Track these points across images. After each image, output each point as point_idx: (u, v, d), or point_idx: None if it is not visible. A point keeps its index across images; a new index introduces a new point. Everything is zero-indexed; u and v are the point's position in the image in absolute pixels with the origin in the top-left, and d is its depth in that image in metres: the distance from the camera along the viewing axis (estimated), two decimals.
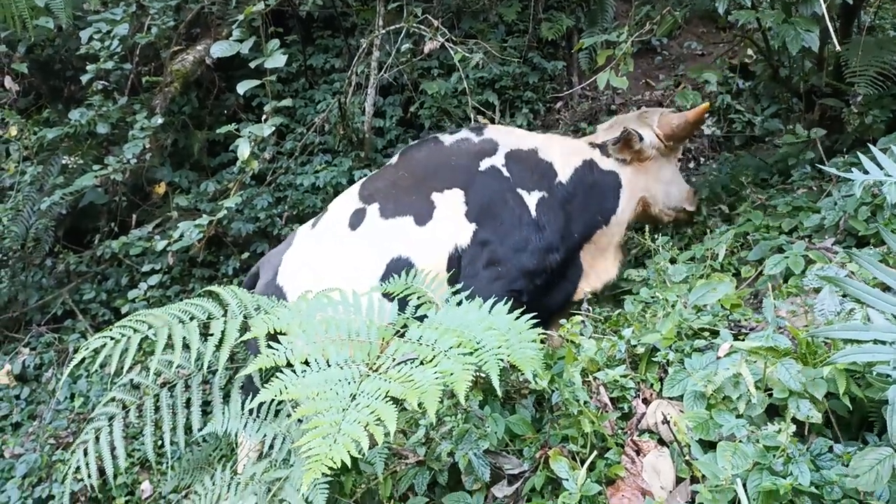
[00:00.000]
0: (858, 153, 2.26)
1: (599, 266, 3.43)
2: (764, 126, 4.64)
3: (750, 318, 2.43)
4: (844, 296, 1.98)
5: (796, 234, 3.23)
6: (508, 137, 3.38)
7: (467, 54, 4.11)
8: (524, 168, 3.26)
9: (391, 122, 5.78)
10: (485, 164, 3.23)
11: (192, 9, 5.42)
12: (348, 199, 3.35)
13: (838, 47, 2.67)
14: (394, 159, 3.49)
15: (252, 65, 3.67)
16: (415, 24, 4.51)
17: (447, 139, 3.40)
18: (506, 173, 3.23)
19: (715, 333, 2.25)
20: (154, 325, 2.42)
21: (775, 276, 2.91)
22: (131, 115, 4.93)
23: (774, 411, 1.84)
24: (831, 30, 2.70)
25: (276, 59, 3.51)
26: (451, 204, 3.13)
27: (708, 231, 3.70)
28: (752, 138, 4.63)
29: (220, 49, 3.64)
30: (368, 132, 5.50)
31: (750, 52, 5.29)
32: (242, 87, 3.57)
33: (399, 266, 2.97)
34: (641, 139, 3.33)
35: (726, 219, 3.78)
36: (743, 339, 2.09)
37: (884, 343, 1.66)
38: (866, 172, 2.00)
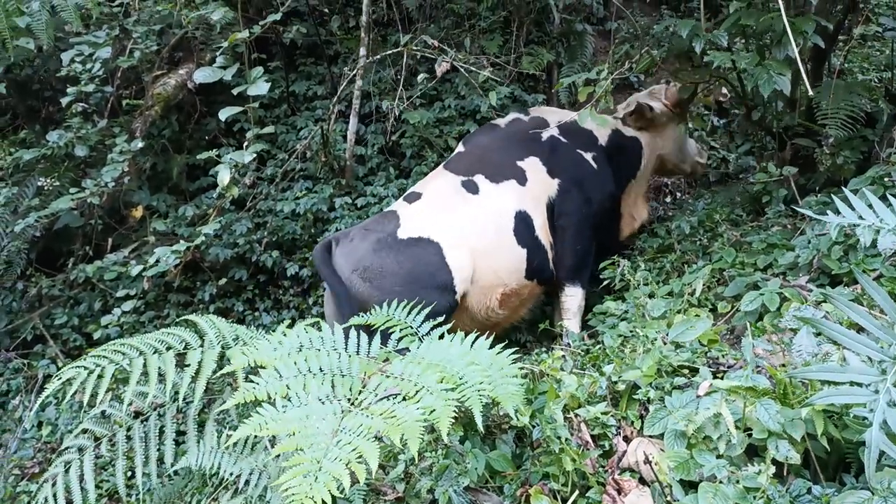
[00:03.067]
0: (831, 194, 2.32)
1: (634, 211, 4.34)
2: (738, 163, 4.75)
3: (728, 355, 2.46)
4: (818, 334, 2.01)
5: (771, 270, 3.29)
6: (552, 115, 4.28)
7: (474, 69, 4.22)
8: (574, 135, 4.07)
9: (372, 150, 5.80)
10: (545, 135, 4.06)
11: (176, 33, 5.41)
12: (444, 177, 3.90)
13: (810, 91, 2.76)
14: (460, 147, 4.20)
15: (235, 91, 3.66)
16: (417, 48, 4.55)
17: (501, 122, 4.22)
18: (564, 140, 4.06)
19: (694, 371, 2.27)
20: (128, 356, 2.37)
21: (752, 313, 2.96)
22: (110, 138, 4.88)
23: (754, 451, 1.85)
24: (803, 74, 2.79)
25: (259, 87, 3.51)
26: (534, 167, 3.94)
27: (685, 266, 3.76)
28: (727, 175, 4.73)
29: (203, 75, 3.64)
30: (350, 160, 5.51)
31: (725, 90, 5.43)
32: (224, 114, 3.56)
33: (521, 216, 3.77)
34: (651, 109, 4.14)
35: (704, 254, 3.84)
36: (721, 377, 2.12)
37: (860, 385, 1.70)
38: (839, 214, 2.06)
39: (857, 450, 1.74)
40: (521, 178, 3.88)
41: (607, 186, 4.09)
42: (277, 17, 3.76)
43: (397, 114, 4.83)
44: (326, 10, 6.39)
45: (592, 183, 4.00)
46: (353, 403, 1.80)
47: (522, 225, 3.74)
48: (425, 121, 5.66)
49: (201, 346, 2.50)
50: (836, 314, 2.36)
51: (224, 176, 3.49)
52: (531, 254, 3.75)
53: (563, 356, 2.65)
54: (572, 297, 3.97)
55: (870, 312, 2.14)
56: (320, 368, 1.91)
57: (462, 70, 4.25)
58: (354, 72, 5.02)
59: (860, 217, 2.02)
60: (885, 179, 3.26)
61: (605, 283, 3.74)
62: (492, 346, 2.22)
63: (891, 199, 2.14)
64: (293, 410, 1.74)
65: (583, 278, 3.97)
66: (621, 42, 4.49)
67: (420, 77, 4.96)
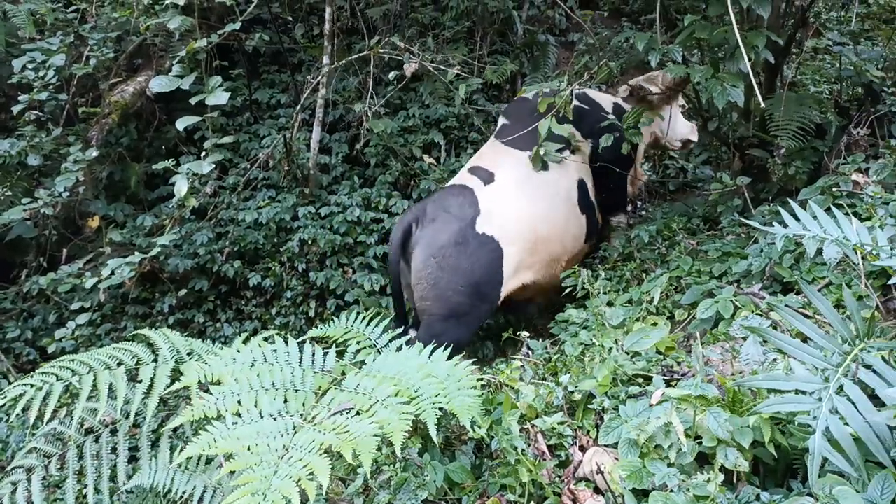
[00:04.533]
0: (779, 206, 2.37)
1: (637, 174, 4.62)
2: (696, 173, 4.85)
3: (683, 363, 2.50)
4: (765, 343, 2.06)
5: (726, 278, 3.35)
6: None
7: (443, 67, 4.18)
8: (590, 105, 4.37)
9: (337, 159, 5.77)
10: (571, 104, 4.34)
11: (134, 41, 5.32)
12: (510, 154, 4.05)
13: (762, 104, 2.83)
14: (504, 120, 4.34)
15: (193, 101, 3.61)
16: (384, 51, 4.54)
17: (530, 95, 4.35)
18: (585, 107, 4.32)
19: (649, 379, 2.30)
20: (78, 372, 2.31)
21: (707, 321, 3.01)
22: (65, 147, 4.77)
23: (704, 459, 1.88)
24: (755, 86, 2.86)
25: (218, 96, 3.46)
26: (572, 134, 4.12)
27: (644, 274, 3.81)
28: (686, 184, 4.83)
29: (159, 84, 3.57)
30: (314, 169, 5.47)
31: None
32: (182, 123, 3.50)
33: (581, 185, 4.12)
34: (643, 89, 4.34)
35: (662, 262, 3.90)
36: (675, 386, 2.15)
37: (804, 393, 1.74)
38: (786, 226, 2.11)
39: (803, 456, 1.77)
40: (568, 145, 4.18)
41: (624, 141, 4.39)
42: (236, 26, 3.72)
43: (367, 117, 4.80)
44: (290, 18, 6.35)
45: (614, 142, 4.27)
46: (305, 419, 1.78)
47: (583, 193, 4.12)
48: (390, 130, 5.66)
49: (154, 361, 2.45)
50: (785, 322, 2.41)
51: (181, 186, 3.43)
52: (589, 218, 4.17)
53: (522, 366, 2.66)
54: (619, 221, 4.49)
55: (817, 321, 2.20)
56: (273, 384, 1.88)
57: (431, 70, 4.23)
58: (318, 80, 4.99)
59: (805, 228, 2.08)
60: (834, 189, 3.35)
61: (567, 290, 3.77)
62: (449, 358, 2.23)
63: (834, 210, 2.21)
64: (244, 427, 1.71)
65: (624, 207, 4.53)
66: (581, 54, 4.55)
67: (391, 75, 4.95)
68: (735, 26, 2.93)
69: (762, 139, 4.00)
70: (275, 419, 1.75)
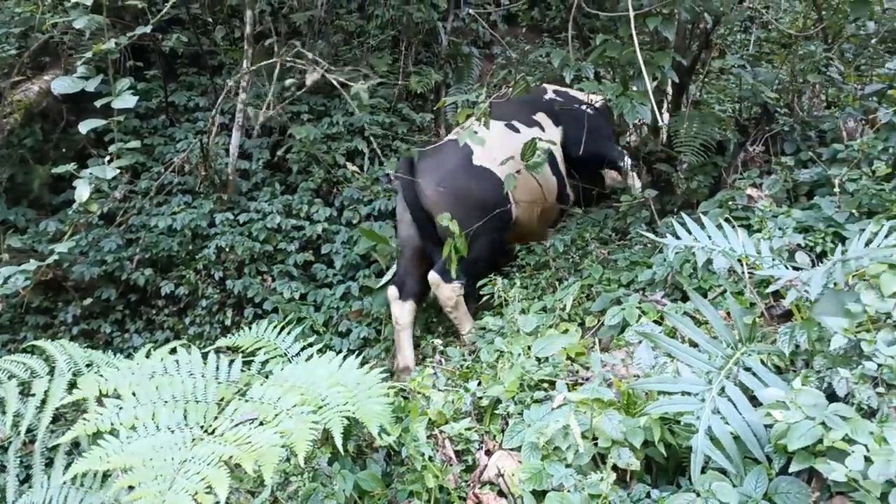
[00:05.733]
0: (673, 219, 2.51)
1: None
2: (609, 184, 5.04)
3: (589, 368, 2.60)
4: (656, 347, 2.17)
5: (633, 286, 3.50)
6: (548, 85, 5.11)
7: (350, 83, 4.14)
8: (566, 96, 5.00)
9: (258, 165, 5.67)
10: (546, 97, 5.02)
11: (39, 37, 5.07)
12: (493, 124, 4.14)
13: (660, 122, 2.99)
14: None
15: (98, 103, 3.46)
16: (290, 59, 4.49)
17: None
18: (559, 99, 4.96)
19: (554, 384, 2.38)
20: None
21: (615, 327, 3.14)
22: None
23: (602, 459, 1.97)
24: (655, 105, 3.02)
25: (126, 100, 3.34)
26: (545, 120, 4.79)
27: (559, 282, 3.93)
28: (601, 195, 5.01)
29: (62, 85, 3.41)
30: (233, 174, 5.36)
31: None
32: (86, 126, 3.35)
33: (549, 152, 4.29)
34: None
35: (575, 271, 4.04)
36: (576, 390, 2.23)
37: (690, 394, 1.85)
38: (679, 237, 2.24)
39: (690, 455, 1.88)
40: (542, 127, 4.73)
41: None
42: (147, 29, 3.60)
43: (258, 119, 4.76)
44: (210, 20, 6.21)
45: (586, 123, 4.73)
46: (206, 431, 1.75)
47: (552, 158, 4.53)
48: (313, 136, 5.61)
49: (50, 373, 2.34)
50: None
51: (83, 191, 3.27)
52: (559, 183, 4.67)
53: (435, 372, 2.70)
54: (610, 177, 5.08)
55: (709, 327, 2.34)
56: (173, 395, 1.84)
57: (334, 82, 4.22)
58: (235, 83, 4.89)
59: (696, 240, 2.21)
60: (730, 203, 3.57)
61: (485, 298, 3.84)
62: (361, 366, 2.23)
63: (723, 223, 2.36)
64: (139, 441, 1.67)
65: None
66: (500, 67, 4.67)
67: (288, 82, 4.93)
68: (638, 47, 3.08)
69: (669, 154, 4.21)
70: (173, 432, 1.71)
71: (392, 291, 4.33)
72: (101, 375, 1.89)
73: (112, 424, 1.70)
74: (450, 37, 6.86)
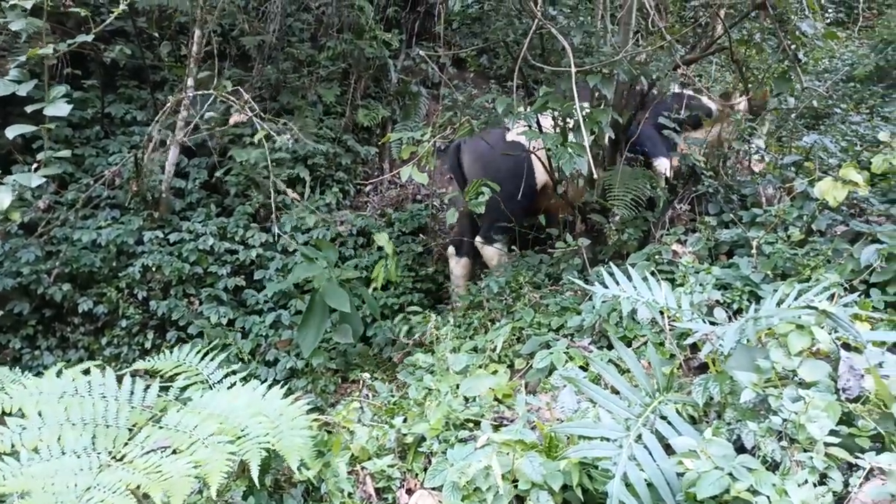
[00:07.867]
0: (603, 268, 2.60)
1: None
2: (547, 231, 5.18)
3: (515, 409, 2.62)
4: (579, 392, 2.23)
5: (562, 331, 3.59)
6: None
7: (273, 133, 4.11)
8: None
9: (194, 185, 5.54)
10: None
11: None
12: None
13: (595, 175, 3.11)
14: None
15: (28, 109, 3.33)
16: (224, 95, 4.45)
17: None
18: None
19: (480, 424, 2.39)
20: None
21: (543, 370, 3.19)
22: None
23: (521, 501, 1.98)
24: (590, 161, 3.15)
25: (59, 108, 3.22)
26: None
27: (491, 323, 3.98)
28: (537, 240, 5.13)
29: None
30: (167, 192, 5.22)
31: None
32: (13, 132, 3.21)
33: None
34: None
35: (508, 312, 4.10)
36: (501, 431, 2.25)
37: (608, 440, 1.90)
38: (606, 287, 2.32)
39: (605, 500, 1.92)
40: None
41: None
42: (89, 38, 3.50)
43: (213, 145, 4.68)
44: (157, 35, 6.10)
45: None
46: (114, 457, 1.67)
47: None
48: (253, 160, 5.54)
49: None
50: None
51: (4, 198, 3.12)
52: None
53: (361, 407, 2.67)
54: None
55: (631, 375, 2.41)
56: (82, 418, 1.75)
57: (259, 124, 4.23)
58: (174, 101, 4.81)
59: (622, 290, 2.30)
60: (657, 256, 3.73)
61: (417, 335, 3.85)
62: (285, 397, 2.19)
63: (649, 276, 2.47)
64: (41, 464, 1.58)
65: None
66: (447, 108, 4.79)
67: (208, 115, 4.93)
68: (578, 103, 3.22)
69: (602, 206, 4.38)
70: (79, 456, 1.63)
71: (450, 249, 5.18)
72: (6, 392, 1.78)
73: (13, 445, 1.60)
74: (399, 74, 6.98)
